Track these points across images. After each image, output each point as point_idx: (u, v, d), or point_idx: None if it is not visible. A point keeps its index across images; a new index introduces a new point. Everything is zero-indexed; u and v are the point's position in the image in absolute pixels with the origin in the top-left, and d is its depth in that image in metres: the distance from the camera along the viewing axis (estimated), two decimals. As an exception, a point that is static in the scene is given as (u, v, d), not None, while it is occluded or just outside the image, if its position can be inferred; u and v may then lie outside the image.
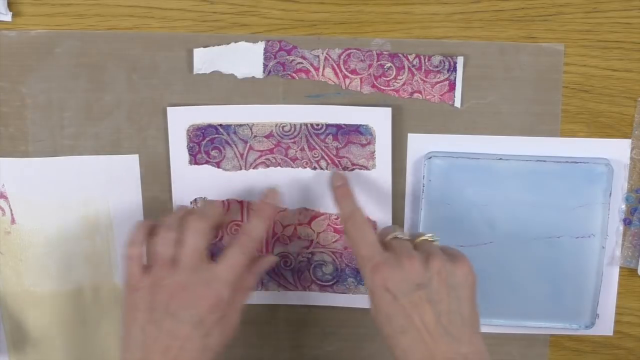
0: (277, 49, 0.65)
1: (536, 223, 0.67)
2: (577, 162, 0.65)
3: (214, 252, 0.69)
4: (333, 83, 0.66)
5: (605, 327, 0.70)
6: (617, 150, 0.66)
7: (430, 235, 0.60)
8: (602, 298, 0.69)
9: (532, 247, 0.68)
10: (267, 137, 0.67)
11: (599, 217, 0.67)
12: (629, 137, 0.66)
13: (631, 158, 0.66)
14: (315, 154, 0.67)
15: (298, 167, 0.67)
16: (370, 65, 0.65)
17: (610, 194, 0.66)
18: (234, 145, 0.67)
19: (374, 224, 0.68)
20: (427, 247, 0.59)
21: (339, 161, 0.67)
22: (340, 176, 0.64)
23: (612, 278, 0.69)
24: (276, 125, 0.67)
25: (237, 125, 0.67)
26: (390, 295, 0.55)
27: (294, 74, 0.66)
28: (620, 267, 0.69)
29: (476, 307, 0.57)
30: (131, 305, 0.59)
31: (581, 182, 0.66)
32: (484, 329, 0.69)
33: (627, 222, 0.68)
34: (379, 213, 0.68)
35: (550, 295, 0.69)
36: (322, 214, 0.68)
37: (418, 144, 0.67)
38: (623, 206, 0.67)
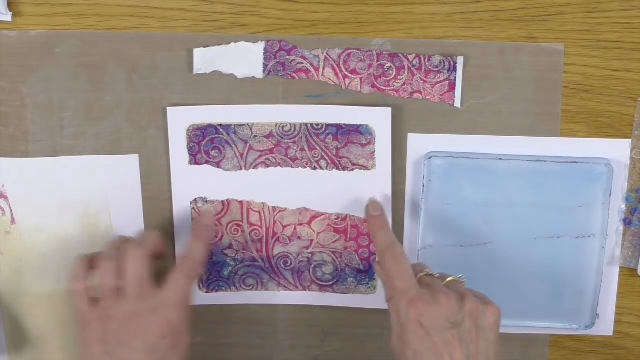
0: (277, 49, 0.65)
1: (536, 223, 0.67)
2: (577, 162, 0.65)
3: (214, 253, 0.69)
4: (333, 83, 0.66)
5: (605, 327, 0.70)
6: (617, 150, 0.66)
7: (459, 276, 0.61)
8: (602, 298, 0.69)
9: (532, 247, 0.68)
10: (267, 137, 0.67)
11: (599, 217, 0.67)
12: (629, 137, 0.66)
13: (631, 158, 0.66)
14: (315, 154, 0.67)
15: (298, 167, 0.67)
16: (370, 65, 0.65)
17: (610, 194, 0.66)
18: (234, 145, 0.67)
19: (374, 224, 0.68)
20: (457, 287, 0.59)
21: (339, 161, 0.67)
22: (377, 206, 0.64)
23: (612, 278, 0.69)
24: (276, 125, 0.67)
25: (237, 125, 0.67)
26: (423, 330, 0.55)
27: (294, 74, 0.66)
28: (620, 267, 0.69)
29: (498, 349, 0.58)
30: (84, 339, 0.60)
31: (581, 182, 0.66)
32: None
33: (627, 222, 0.68)
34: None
35: (550, 295, 0.69)
36: (322, 214, 0.68)
37: (418, 144, 0.67)
38: (623, 206, 0.67)
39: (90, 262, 0.62)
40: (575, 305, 0.69)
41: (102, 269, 0.61)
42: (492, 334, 0.57)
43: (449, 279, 0.60)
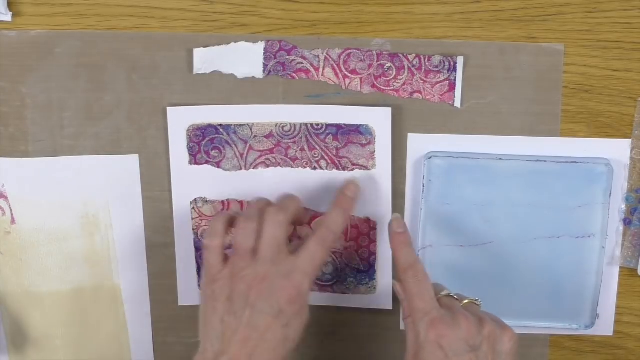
0: (277, 49, 0.65)
1: (536, 223, 0.67)
2: (577, 162, 0.65)
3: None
4: (333, 83, 0.66)
5: (605, 327, 0.70)
6: (617, 150, 0.66)
7: (476, 299, 0.61)
8: (602, 298, 0.69)
9: (532, 247, 0.68)
10: (267, 137, 0.67)
11: (599, 217, 0.67)
12: (629, 137, 0.66)
13: (631, 158, 0.66)
14: (315, 154, 0.67)
15: (298, 167, 0.67)
16: (370, 65, 0.65)
17: (610, 194, 0.66)
18: (234, 145, 0.67)
19: (373, 224, 0.68)
20: (475, 310, 0.59)
21: (339, 161, 0.67)
22: (401, 223, 0.62)
23: (612, 278, 0.69)
24: (276, 125, 0.67)
25: (237, 125, 0.67)
26: (442, 352, 0.55)
27: (294, 74, 0.66)
28: (620, 267, 0.69)
29: None
30: (210, 296, 0.59)
31: (581, 182, 0.66)
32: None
33: (627, 222, 0.68)
34: (379, 213, 0.68)
35: (550, 295, 0.69)
36: (322, 214, 0.68)
37: (418, 144, 0.67)
38: (623, 206, 0.67)
39: (230, 221, 0.61)
40: (575, 305, 0.69)
41: (241, 229, 0.60)
42: (508, 358, 0.57)
43: (466, 300, 0.60)
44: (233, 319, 0.58)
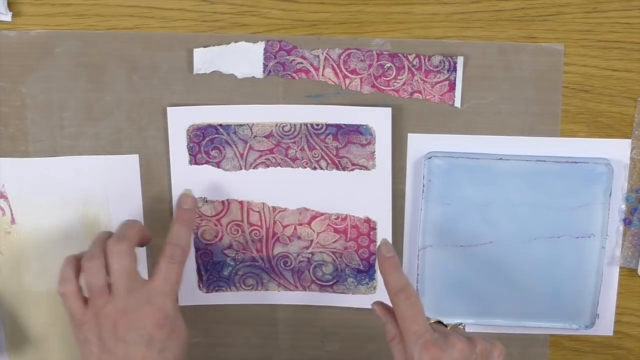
0: (277, 49, 0.65)
1: (536, 223, 0.67)
2: (577, 162, 0.65)
3: (214, 253, 0.69)
4: (333, 83, 0.66)
5: (605, 327, 0.70)
6: (617, 150, 0.66)
7: (460, 322, 0.62)
8: (602, 298, 0.69)
9: (532, 247, 0.67)
10: (267, 137, 0.67)
11: (599, 217, 0.67)
12: (629, 137, 0.66)
13: (631, 158, 0.66)
14: (315, 154, 0.67)
15: (298, 167, 0.67)
16: (370, 65, 0.65)
17: (610, 194, 0.66)
18: (234, 145, 0.67)
19: (373, 224, 0.68)
20: (462, 331, 0.60)
21: (339, 161, 0.67)
22: (390, 247, 0.61)
23: (612, 278, 0.69)
24: (276, 125, 0.67)
25: (237, 125, 0.67)
26: None
27: (294, 74, 0.66)
28: (620, 267, 0.69)
29: None
30: (82, 340, 0.60)
31: (581, 182, 0.66)
32: (484, 329, 0.69)
33: (627, 222, 0.68)
34: (379, 213, 0.68)
35: (550, 295, 0.69)
36: (322, 214, 0.68)
37: (418, 144, 0.67)
38: (623, 206, 0.67)
39: (77, 262, 0.61)
40: (575, 305, 0.69)
41: (87, 268, 0.60)
42: None
43: (452, 324, 0.61)
44: (109, 357, 0.58)
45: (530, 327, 0.70)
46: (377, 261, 0.62)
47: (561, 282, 0.68)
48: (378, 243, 0.68)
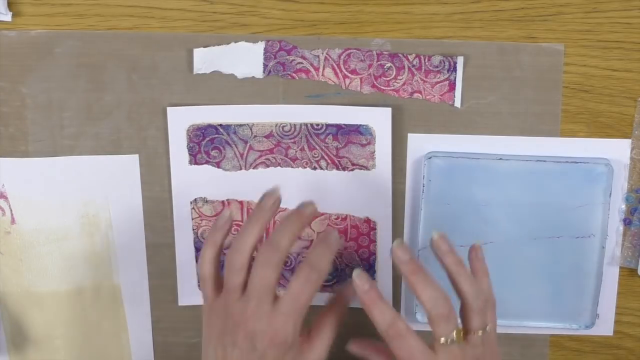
0: (277, 49, 0.65)
1: (536, 223, 0.67)
2: (577, 162, 0.65)
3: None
4: (333, 83, 0.66)
5: (605, 327, 0.70)
6: (617, 150, 0.66)
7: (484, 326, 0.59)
8: (602, 298, 0.69)
9: (532, 247, 0.68)
10: (267, 137, 0.67)
11: (599, 217, 0.67)
12: (629, 137, 0.66)
13: (631, 158, 0.66)
14: (315, 154, 0.67)
15: (298, 167, 0.67)
16: (370, 65, 0.65)
17: (610, 194, 0.66)
18: (234, 145, 0.67)
19: (373, 224, 0.68)
20: (477, 342, 0.58)
21: (339, 161, 0.67)
22: (364, 278, 0.58)
23: (612, 278, 0.69)
24: (276, 125, 0.67)
25: (237, 125, 0.67)
26: None
27: (294, 74, 0.66)
28: (620, 267, 0.69)
29: None
30: (208, 324, 0.59)
31: (581, 182, 0.66)
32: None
33: (627, 222, 0.68)
34: (379, 213, 0.68)
35: (550, 295, 0.69)
36: (322, 214, 0.68)
37: (418, 144, 0.67)
38: (623, 206, 0.67)
39: (220, 247, 0.59)
40: (575, 305, 0.69)
41: (230, 263, 0.57)
42: None
43: (475, 332, 0.58)
44: (221, 353, 0.57)
45: (530, 327, 0.70)
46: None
47: (561, 282, 0.68)
48: (377, 244, 0.68)
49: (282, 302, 0.56)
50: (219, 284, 0.59)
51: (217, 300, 0.59)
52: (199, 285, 0.70)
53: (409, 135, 0.67)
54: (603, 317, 0.69)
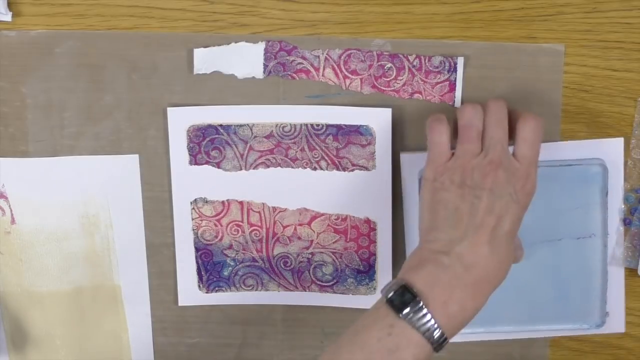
0: (277, 49, 0.65)
1: (535, 227, 0.67)
2: (572, 165, 0.65)
3: (214, 253, 0.69)
4: (333, 83, 0.66)
5: (616, 324, 0.69)
6: (610, 149, 0.66)
7: None
8: (610, 295, 0.68)
9: (534, 251, 0.67)
10: (267, 137, 0.67)
11: (598, 217, 0.66)
12: (629, 137, 0.66)
13: (632, 158, 0.66)
14: (315, 155, 0.67)
15: (298, 167, 0.67)
16: (370, 66, 0.65)
17: (607, 193, 0.66)
18: (234, 146, 0.67)
19: (373, 224, 0.68)
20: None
21: (339, 162, 0.67)
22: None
23: (618, 275, 0.69)
24: (276, 126, 0.67)
25: (237, 125, 0.67)
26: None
27: (294, 74, 0.66)
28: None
29: None
30: (438, 188, 0.57)
31: (577, 184, 0.66)
32: (493, 336, 0.69)
33: (627, 222, 0.68)
34: (379, 213, 0.68)
35: (557, 298, 0.68)
36: (322, 214, 0.68)
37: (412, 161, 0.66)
38: (623, 206, 0.67)
39: (446, 121, 0.59)
40: (583, 305, 0.69)
41: (465, 135, 0.58)
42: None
43: None
44: (468, 206, 0.56)
45: (540, 331, 0.69)
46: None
47: (567, 283, 0.68)
48: (377, 244, 0.68)
49: (519, 163, 0.57)
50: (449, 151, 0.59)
51: (452, 160, 0.58)
52: (199, 285, 0.70)
53: (402, 155, 0.66)
54: (613, 314, 0.69)
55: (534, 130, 0.58)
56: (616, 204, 0.67)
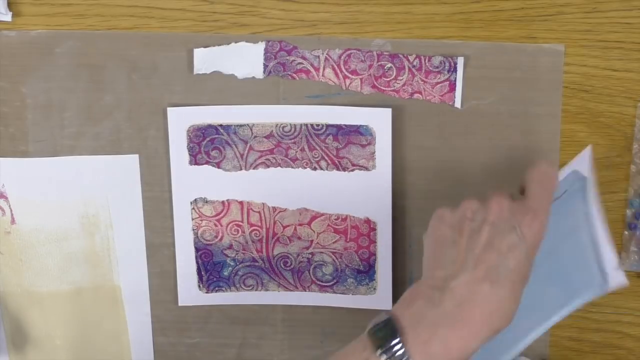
0: (277, 49, 0.65)
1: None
2: (556, 199, 0.63)
3: (214, 253, 0.69)
4: (333, 83, 0.66)
5: (617, 278, 0.67)
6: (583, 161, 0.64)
7: None
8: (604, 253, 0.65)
9: None
10: (267, 137, 0.67)
11: (583, 223, 0.64)
12: (630, 137, 0.66)
13: (634, 162, 0.66)
14: (315, 155, 0.67)
15: (298, 167, 0.67)
16: (370, 66, 0.65)
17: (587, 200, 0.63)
18: (234, 146, 0.67)
19: (373, 225, 0.68)
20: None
21: (339, 162, 0.67)
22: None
23: (601, 223, 0.66)
24: (276, 126, 0.67)
25: (237, 125, 0.67)
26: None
27: (294, 75, 0.66)
28: (626, 271, 0.68)
29: None
30: (441, 231, 0.55)
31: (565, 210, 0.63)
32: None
33: (632, 226, 0.67)
34: (379, 213, 0.68)
35: (558, 278, 0.67)
36: (322, 214, 0.68)
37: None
38: (628, 211, 0.67)
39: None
40: (584, 274, 0.66)
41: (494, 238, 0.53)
42: None
43: None
44: (466, 240, 0.53)
45: (554, 320, 0.68)
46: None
47: (561, 262, 0.66)
48: (377, 244, 0.68)
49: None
50: None
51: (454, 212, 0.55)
52: (199, 285, 0.70)
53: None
54: (610, 269, 0.66)
55: (545, 173, 0.55)
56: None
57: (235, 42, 0.65)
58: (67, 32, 0.66)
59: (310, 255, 0.69)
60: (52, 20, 0.66)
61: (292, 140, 0.67)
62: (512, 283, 0.52)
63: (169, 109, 0.67)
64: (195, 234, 0.69)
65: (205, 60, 0.66)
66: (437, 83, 0.65)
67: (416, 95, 0.66)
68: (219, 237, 0.69)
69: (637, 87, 0.66)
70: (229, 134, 0.67)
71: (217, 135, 0.67)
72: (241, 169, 0.68)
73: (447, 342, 0.50)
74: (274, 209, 0.68)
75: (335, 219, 0.68)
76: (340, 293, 0.70)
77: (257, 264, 0.70)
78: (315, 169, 0.67)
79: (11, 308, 0.71)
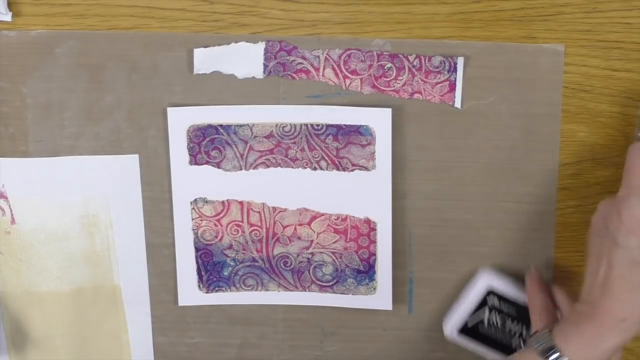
0: (277, 49, 0.65)
1: None
2: None
3: (214, 253, 0.69)
4: (333, 83, 0.66)
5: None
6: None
7: None
8: None
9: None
10: (267, 137, 0.67)
11: None
12: (630, 137, 0.66)
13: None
14: (315, 155, 0.67)
15: (298, 167, 0.67)
16: (370, 66, 0.65)
17: None
18: (234, 146, 0.67)
19: (373, 225, 0.68)
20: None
21: (339, 162, 0.67)
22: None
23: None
24: (276, 126, 0.67)
25: (237, 125, 0.67)
26: None
27: (294, 75, 0.66)
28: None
29: None
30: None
31: None
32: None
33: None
34: (379, 213, 0.68)
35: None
36: (322, 214, 0.68)
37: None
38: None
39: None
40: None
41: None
42: None
43: None
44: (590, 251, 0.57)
45: None
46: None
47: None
48: (377, 244, 0.68)
49: None
50: None
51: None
52: (199, 285, 0.70)
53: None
54: None
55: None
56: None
57: (235, 42, 0.65)
58: (67, 32, 0.66)
59: (310, 255, 0.69)
60: (52, 20, 0.65)
61: (292, 140, 0.67)
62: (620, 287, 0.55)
63: (169, 109, 0.67)
64: (195, 234, 0.69)
65: (205, 60, 0.66)
66: (437, 83, 0.65)
67: (416, 95, 0.66)
68: (219, 237, 0.69)
69: (637, 87, 0.66)
70: (229, 134, 0.67)
71: (217, 135, 0.67)
72: (241, 169, 0.68)
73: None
74: (274, 209, 0.68)
75: (335, 219, 0.68)
76: (340, 293, 0.70)
77: (257, 264, 0.70)
78: (315, 169, 0.67)
79: (11, 308, 0.71)
